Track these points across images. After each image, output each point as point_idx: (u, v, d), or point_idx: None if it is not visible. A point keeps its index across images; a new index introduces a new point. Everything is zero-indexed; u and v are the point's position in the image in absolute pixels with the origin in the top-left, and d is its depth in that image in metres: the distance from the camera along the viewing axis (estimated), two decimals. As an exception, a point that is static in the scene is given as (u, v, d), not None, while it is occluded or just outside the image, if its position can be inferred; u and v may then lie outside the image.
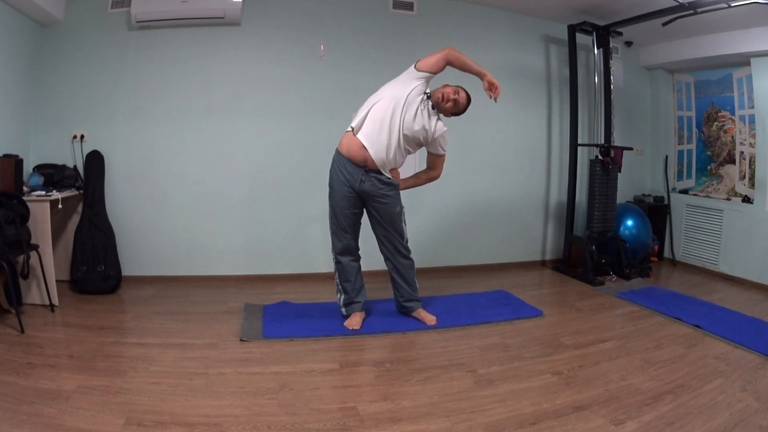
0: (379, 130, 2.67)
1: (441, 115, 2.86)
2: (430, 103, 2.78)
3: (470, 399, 2.11)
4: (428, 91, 2.80)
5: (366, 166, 2.72)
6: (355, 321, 2.89)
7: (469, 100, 2.85)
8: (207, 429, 1.81)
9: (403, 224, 2.93)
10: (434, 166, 2.96)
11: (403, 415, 1.96)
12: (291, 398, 2.07)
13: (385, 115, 2.67)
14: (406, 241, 2.97)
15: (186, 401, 2.00)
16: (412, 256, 3.02)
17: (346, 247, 2.88)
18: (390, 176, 2.79)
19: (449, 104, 2.77)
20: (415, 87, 2.73)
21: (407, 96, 2.69)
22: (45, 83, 3.53)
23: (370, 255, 3.12)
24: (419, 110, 2.72)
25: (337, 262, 2.92)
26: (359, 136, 2.70)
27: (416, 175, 3.02)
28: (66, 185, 3.35)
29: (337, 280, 2.96)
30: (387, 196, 2.80)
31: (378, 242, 2.97)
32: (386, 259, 2.99)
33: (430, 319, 3.00)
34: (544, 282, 4.21)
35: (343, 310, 2.97)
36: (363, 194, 2.78)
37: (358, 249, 2.95)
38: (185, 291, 3.55)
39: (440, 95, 2.77)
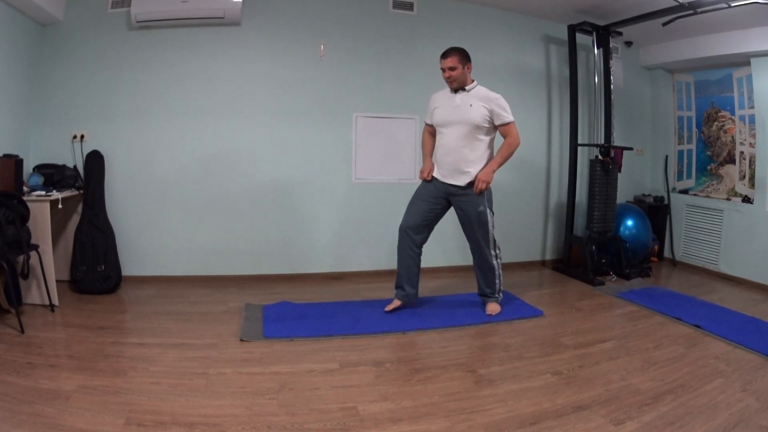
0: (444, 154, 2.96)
1: (472, 89, 2.96)
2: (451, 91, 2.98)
3: (470, 399, 2.11)
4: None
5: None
6: (391, 305, 3.12)
7: (456, 57, 2.90)
8: (207, 429, 1.81)
9: (490, 226, 3.04)
10: (505, 134, 3.00)
11: (403, 415, 1.96)
12: (291, 398, 2.07)
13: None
14: (493, 243, 3.08)
15: (186, 401, 2.00)
16: (497, 261, 3.15)
17: (408, 225, 3.04)
18: (467, 181, 2.94)
19: (450, 81, 2.96)
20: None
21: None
22: (45, 83, 3.53)
23: (372, 255, 3.12)
24: (453, 102, 2.94)
25: (399, 237, 3.08)
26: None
27: (498, 153, 3.03)
28: (66, 185, 3.35)
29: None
30: (466, 195, 2.99)
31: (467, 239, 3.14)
32: (472, 252, 3.17)
33: (490, 310, 3.17)
34: (544, 282, 4.21)
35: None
36: (448, 195, 3.03)
37: (420, 237, 3.07)
38: (185, 291, 3.55)
39: (446, 79, 2.97)
